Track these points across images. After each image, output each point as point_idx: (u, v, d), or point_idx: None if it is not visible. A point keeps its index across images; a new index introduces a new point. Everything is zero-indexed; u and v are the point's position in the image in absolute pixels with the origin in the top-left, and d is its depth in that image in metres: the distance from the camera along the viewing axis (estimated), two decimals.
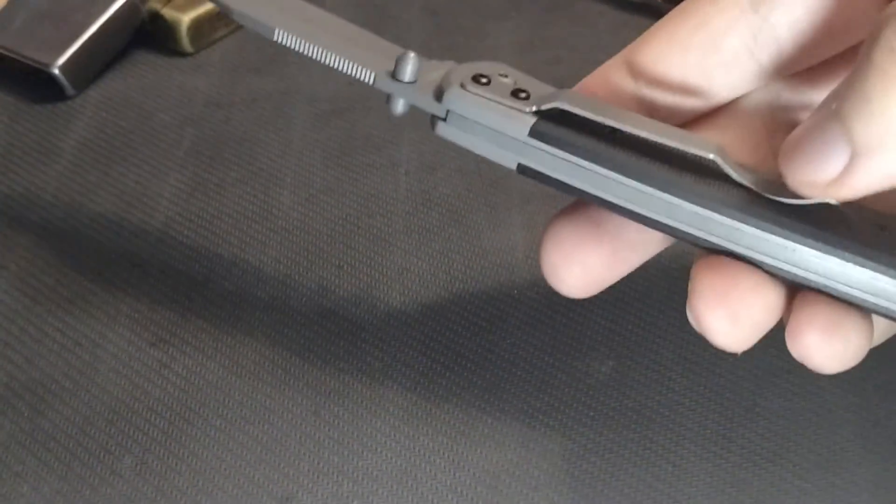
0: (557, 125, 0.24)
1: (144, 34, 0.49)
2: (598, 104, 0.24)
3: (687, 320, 0.36)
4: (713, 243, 0.23)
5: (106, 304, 0.37)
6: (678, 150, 0.22)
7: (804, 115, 0.26)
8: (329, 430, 0.33)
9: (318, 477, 0.32)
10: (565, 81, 0.46)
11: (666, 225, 0.23)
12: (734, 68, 0.25)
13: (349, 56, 0.27)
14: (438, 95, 0.25)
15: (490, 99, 0.24)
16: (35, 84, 0.46)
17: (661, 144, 0.22)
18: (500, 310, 0.37)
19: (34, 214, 0.41)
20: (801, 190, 0.22)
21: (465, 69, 0.25)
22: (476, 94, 0.24)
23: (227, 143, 0.44)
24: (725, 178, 0.22)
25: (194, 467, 0.32)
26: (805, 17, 0.24)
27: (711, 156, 0.22)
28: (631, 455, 0.32)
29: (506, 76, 0.25)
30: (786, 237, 0.22)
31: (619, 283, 0.37)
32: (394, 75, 0.26)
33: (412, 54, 0.26)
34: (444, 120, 0.25)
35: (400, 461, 0.32)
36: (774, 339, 0.35)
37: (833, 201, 0.22)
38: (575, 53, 0.49)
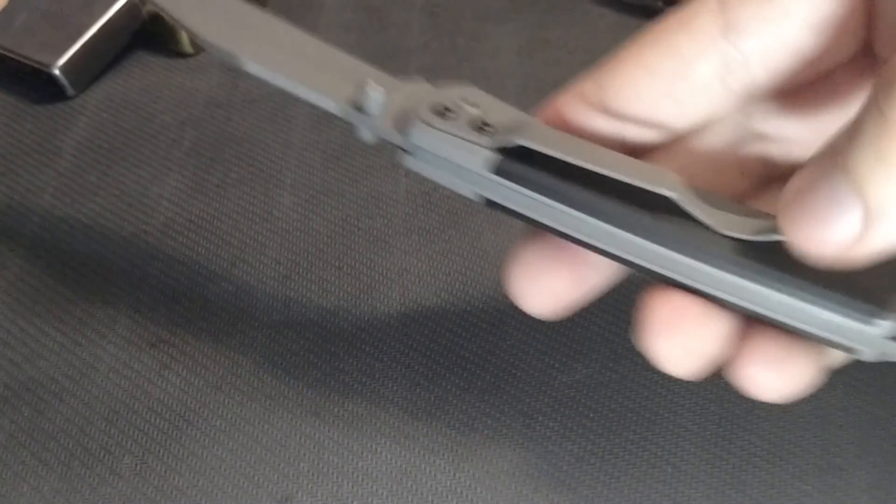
0: (518, 161, 0.24)
1: (145, 35, 0.49)
2: (558, 137, 0.23)
3: None
4: (669, 278, 0.23)
5: (106, 304, 0.37)
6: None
7: (776, 140, 0.26)
8: (329, 431, 0.33)
9: (317, 477, 0.32)
10: (565, 83, 0.46)
11: (623, 259, 0.23)
12: (705, 95, 0.24)
13: (313, 85, 0.26)
14: (402, 128, 0.24)
15: (452, 135, 0.24)
16: (35, 84, 0.46)
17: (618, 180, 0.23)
18: (500, 311, 0.37)
19: (34, 215, 0.41)
20: (809, 251, 0.21)
21: (431, 97, 0.25)
22: (439, 130, 0.24)
23: (227, 144, 0.44)
24: (682, 213, 0.22)
25: (194, 467, 0.32)
26: (777, 46, 0.23)
27: (665, 192, 0.22)
28: (631, 457, 0.32)
29: (475, 105, 0.24)
30: (739, 275, 0.22)
31: (618, 285, 0.37)
32: (356, 107, 0.25)
33: (372, 87, 0.25)
34: (410, 153, 0.25)
35: (399, 462, 0.32)
36: None
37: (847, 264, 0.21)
38: (574, 55, 0.49)
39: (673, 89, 0.24)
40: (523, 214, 0.24)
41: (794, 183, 0.21)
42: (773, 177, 0.26)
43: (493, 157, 0.24)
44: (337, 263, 0.39)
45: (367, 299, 0.37)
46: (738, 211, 0.23)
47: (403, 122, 0.25)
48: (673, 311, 0.23)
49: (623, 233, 0.23)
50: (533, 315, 0.26)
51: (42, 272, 0.38)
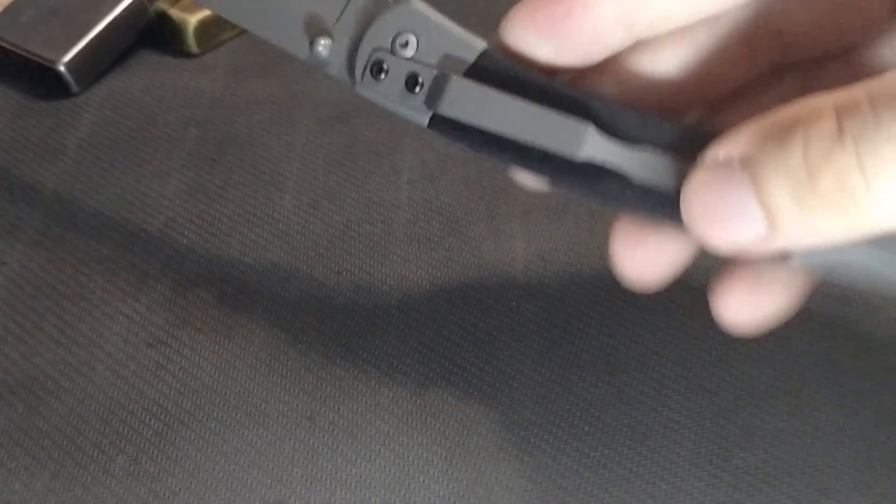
0: (446, 123, 0.26)
1: (151, 34, 0.49)
2: (481, 94, 0.25)
3: (684, 337, 0.36)
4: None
5: (104, 303, 0.37)
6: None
7: (789, 31, 0.26)
8: (323, 437, 0.33)
9: (311, 483, 0.32)
10: None
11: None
12: None
13: (276, 38, 0.28)
14: (350, 79, 0.27)
15: (388, 97, 0.26)
16: (40, 81, 0.46)
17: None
18: (499, 321, 0.37)
19: (35, 211, 0.41)
20: (705, 245, 0.22)
21: (366, 44, 0.27)
22: (375, 93, 0.27)
23: (230, 146, 0.44)
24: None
25: (187, 469, 0.32)
26: None
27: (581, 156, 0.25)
28: (625, 472, 0.32)
29: (405, 43, 0.26)
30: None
31: (616, 298, 0.37)
32: (312, 52, 0.27)
33: (319, 43, 0.27)
34: (359, 97, 0.27)
35: (394, 470, 0.32)
36: (771, 360, 0.36)
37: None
38: None
39: None
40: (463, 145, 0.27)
41: (698, 177, 0.22)
42: (787, 65, 0.27)
43: (425, 118, 0.26)
44: (336, 268, 0.39)
45: (366, 305, 0.37)
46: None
47: (348, 75, 0.27)
48: (628, 231, 0.26)
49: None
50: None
51: (41, 269, 0.38)
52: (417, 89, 0.26)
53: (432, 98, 0.26)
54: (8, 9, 0.47)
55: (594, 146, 0.25)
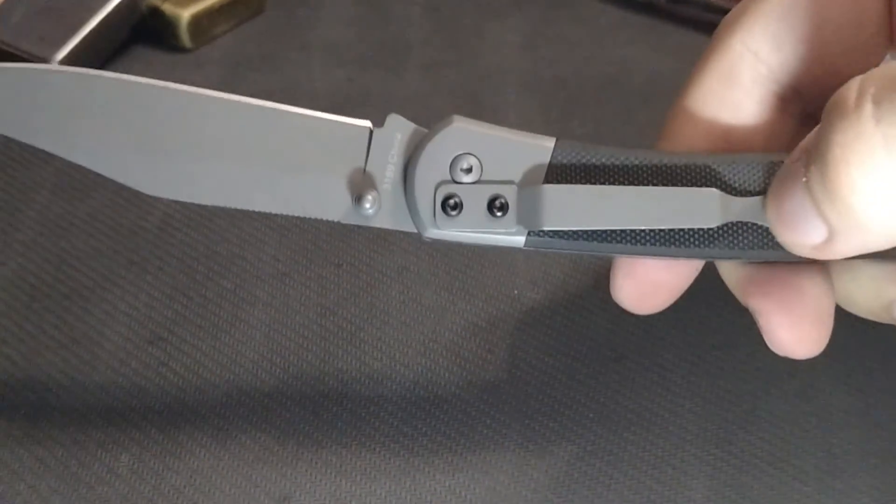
0: (548, 236, 0.24)
1: (144, 29, 0.49)
2: (574, 198, 0.24)
3: (689, 323, 0.36)
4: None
5: (104, 301, 0.37)
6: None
7: None
8: (327, 430, 0.33)
9: (316, 477, 0.32)
10: (567, 80, 0.46)
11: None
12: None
13: (303, 203, 0.25)
14: (415, 224, 0.25)
15: (472, 228, 0.24)
16: None
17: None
18: (501, 310, 0.36)
19: (32, 210, 0.41)
20: (790, 249, 0.24)
21: (424, 182, 0.24)
22: (455, 228, 0.24)
23: None
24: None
25: (192, 466, 0.32)
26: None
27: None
28: (631, 458, 0.32)
29: (469, 168, 0.24)
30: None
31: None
32: (358, 210, 0.25)
33: (366, 200, 0.25)
34: (431, 242, 0.25)
35: (398, 461, 0.32)
36: None
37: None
38: (576, 52, 0.49)
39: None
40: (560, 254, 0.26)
41: (775, 184, 0.24)
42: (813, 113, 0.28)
43: (521, 237, 0.24)
44: (336, 261, 0.39)
45: (367, 297, 0.37)
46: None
47: (412, 219, 0.25)
48: (629, 264, 0.27)
49: (662, 248, 0.25)
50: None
51: (39, 269, 0.38)
52: (501, 213, 0.24)
53: (526, 215, 0.24)
54: (0, 7, 0.47)
55: (727, 209, 0.24)
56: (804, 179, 0.22)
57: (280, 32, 0.51)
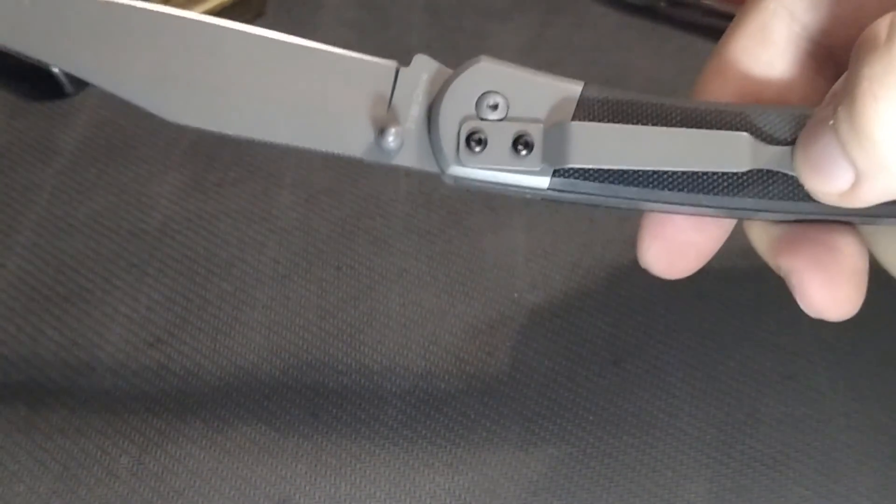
0: (574, 177, 0.24)
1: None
2: (601, 133, 0.23)
3: (688, 325, 0.36)
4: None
5: (103, 303, 0.37)
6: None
7: None
8: (327, 432, 0.33)
9: (315, 479, 0.32)
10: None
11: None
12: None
13: (326, 137, 0.25)
14: (437, 162, 0.24)
15: (496, 166, 0.24)
16: (34, 82, 0.46)
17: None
18: (500, 313, 0.36)
19: (32, 213, 0.41)
20: (817, 197, 0.23)
21: (449, 116, 0.24)
22: (479, 166, 0.24)
23: (226, 143, 0.44)
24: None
25: (191, 468, 0.32)
26: None
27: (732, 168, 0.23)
28: (631, 460, 0.32)
29: (494, 105, 0.24)
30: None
31: (619, 287, 0.37)
32: (380, 145, 0.24)
33: (389, 132, 0.24)
34: (454, 181, 0.24)
35: (398, 464, 0.32)
36: (775, 346, 0.35)
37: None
38: (576, 55, 0.49)
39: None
40: (584, 204, 0.24)
41: (805, 131, 0.23)
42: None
43: (545, 178, 0.24)
44: (336, 263, 0.39)
45: (367, 300, 0.37)
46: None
47: (434, 157, 0.24)
48: (658, 223, 0.26)
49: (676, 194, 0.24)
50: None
51: (39, 271, 0.38)
52: (526, 151, 0.23)
53: (552, 153, 0.23)
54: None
55: (757, 155, 0.23)
56: (831, 122, 0.22)
57: None
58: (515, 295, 0.37)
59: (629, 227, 0.39)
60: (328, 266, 0.38)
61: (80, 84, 0.46)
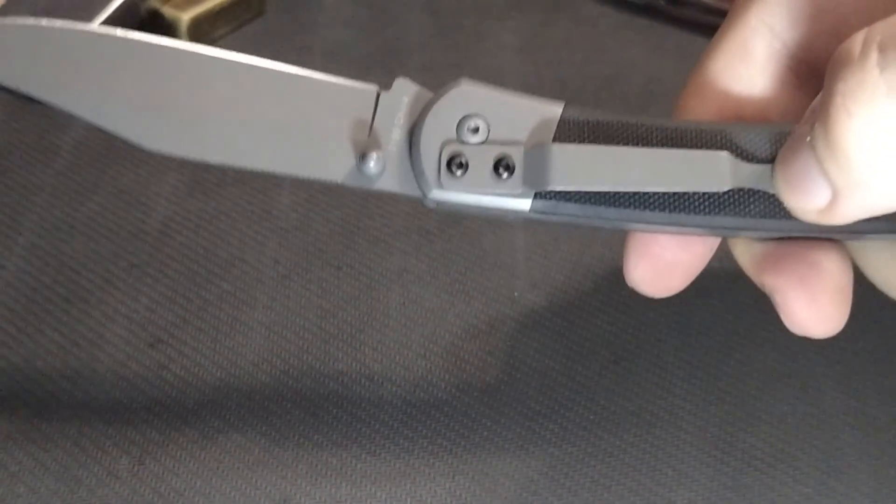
0: (555, 199, 0.24)
1: (144, 32, 0.49)
2: (583, 157, 0.23)
3: (688, 324, 0.36)
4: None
5: (104, 304, 0.37)
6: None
7: None
8: (327, 432, 0.33)
9: (315, 479, 0.32)
10: (567, 82, 0.46)
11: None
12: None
13: (306, 163, 0.25)
14: (419, 186, 0.24)
15: (477, 190, 0.24)
16: None
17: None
18: (500, 312, 0.36)
19: (32, 213, 0.41)
20: (796, 215, 0.23)
21: (430, 141, 0.24)
22: (460, 190, 0.24)
23: None
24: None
25: (192, 469, 0.32)
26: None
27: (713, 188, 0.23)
28: (631, 459, 0.32)
29: (475, 128, 0.24)
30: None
31: (619, 287, 0.37)
32: (361, 170, 0.24)
33: (373, 153, 0.24)
34: (435, 205, 0.25)
35: (398, 464, 0.32)
36: (775, 344, 0.35)
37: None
38: (576, 54, 0.49)
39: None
40: (566, 225, 0.25)
41: (784, 149, 0.23)
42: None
43: (526, 201, 0.24)
44: (336, 263, 0.39)
45: (367, 300, 0.37)
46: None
47: (416, 181, 0.24)
48: (643, 243, 0.26)
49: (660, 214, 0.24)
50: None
51: (39, 272, 0.38)
52: (507, 174, 0.24)
53: (532, 176, 0.23)
54: (0, 11, 0.47)
55: (737, 173, 0.23)
56: (808, 139, 0.22)
57: (280, 35, 0.51)
58: (515, 294, 0.37)
59: None
60: (328, 266, 0.38)
61: None
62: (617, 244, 0.39)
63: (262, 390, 0.34)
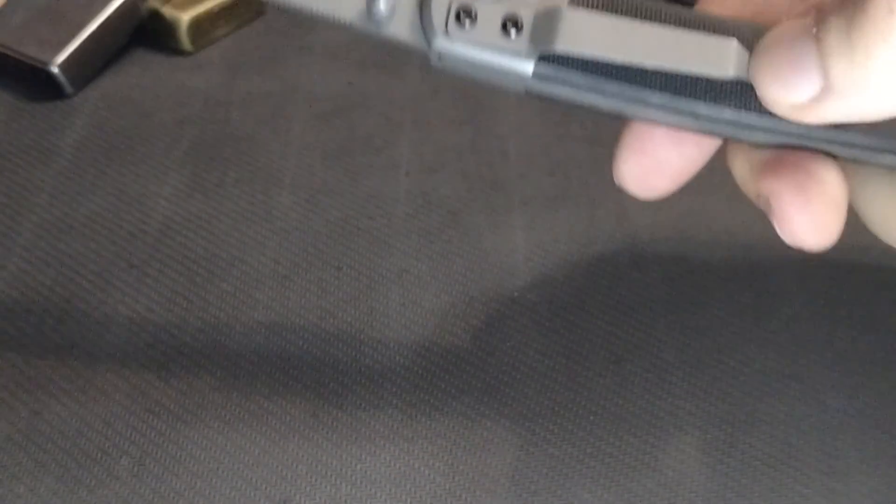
0: (557, 61, 0.24)
1: (144, 33, 0.49)
2: (593, 25, 0.23)
3: (688, 325, 0.36)
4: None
5: (103, 304, 0.37)
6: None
7: None
8: (327, 433, 0.33)
9: (315, 480, 0.32)
10: None
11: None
12: None
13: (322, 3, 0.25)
14: (425, 35, 0.24)
15: (482, 44, 0.24)
16: (34, 82, 0.46)
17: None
18: (500, 312, 0.36)
19: (32, 214, 0.41)
20: (766, 103, 0.22)
21: None
22: (465, 42, 0.24)
23: (226, 143, 0.44)
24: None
25: (192, 470, 0.32)
26: None
27: (718, 74, 0.23)
28: (631, 460, 0.32)
29: None
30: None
31: (619, 287, 0.37)
32: (371, 11, 0.24)
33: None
34: (438, 58, 0.24)
35: (398, 464, 0.32)
36: (775, 345, 0.35)
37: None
38: None
39: None
40: (565, 101, 0.24)
41: (772, 34, 0.22)
42: None
43: (530, 63, 0.23)
44: (336, 264, 0.39)
45: (367, 300, 0.37)
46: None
47: (423, 29, 0.24)
48: (638, 138, 0.26)
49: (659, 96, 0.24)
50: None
51: (39, 272, 0.38)
52: (515, 32, 0.23)
53: (540, 37, 0.23)
54: (0, 10, 0.47)
55: (743, 64, 0.23)
56: (814, 29, 0.21)
57: (280, 35, 0.51)
58: (515, 294, 0.37)
59: (629, 224, 0.39)
60: (328, 267, 0.38)
61: (79, 84, 0.46)
62: (617, 245, 0.39)
63: (262, 390, 0.34)
